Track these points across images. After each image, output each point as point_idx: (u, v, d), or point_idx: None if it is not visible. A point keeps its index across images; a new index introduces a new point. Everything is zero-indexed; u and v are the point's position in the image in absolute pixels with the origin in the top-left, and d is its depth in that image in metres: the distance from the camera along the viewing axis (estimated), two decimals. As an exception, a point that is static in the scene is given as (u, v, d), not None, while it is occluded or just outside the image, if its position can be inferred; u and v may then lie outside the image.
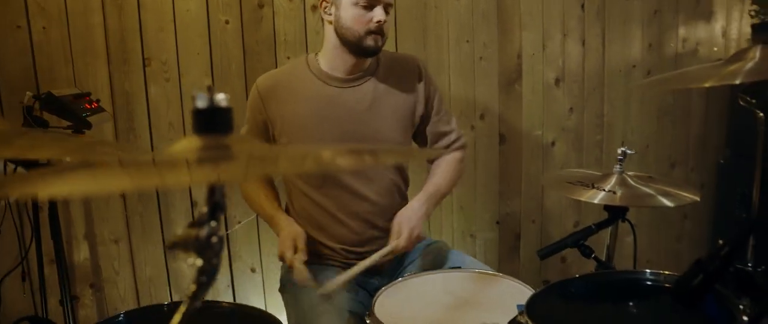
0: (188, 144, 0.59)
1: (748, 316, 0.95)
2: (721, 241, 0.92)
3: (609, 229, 1.67)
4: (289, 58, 2.18)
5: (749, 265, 1.24)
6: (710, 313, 1.05)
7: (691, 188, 1.62)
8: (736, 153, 2.84)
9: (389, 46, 1.90)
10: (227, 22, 2.12)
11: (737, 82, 1.14)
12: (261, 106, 1.66)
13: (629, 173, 1.67)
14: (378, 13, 1.58)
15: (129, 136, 2.06)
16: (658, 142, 2.82)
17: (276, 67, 2.14)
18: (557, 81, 2.56)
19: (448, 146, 1.77)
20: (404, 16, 2.29)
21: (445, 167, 1.76)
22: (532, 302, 1.16)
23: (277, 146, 1.60)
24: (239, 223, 2.17)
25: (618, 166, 1.65)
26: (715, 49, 2.88)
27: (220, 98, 0.60)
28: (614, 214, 1.64)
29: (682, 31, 2.78)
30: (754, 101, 1.21)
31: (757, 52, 1.23)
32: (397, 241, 1.53)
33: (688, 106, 2.87)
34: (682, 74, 1.45)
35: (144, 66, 2.05)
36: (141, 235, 2.14)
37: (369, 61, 1.70)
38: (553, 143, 2.60)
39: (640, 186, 1.61)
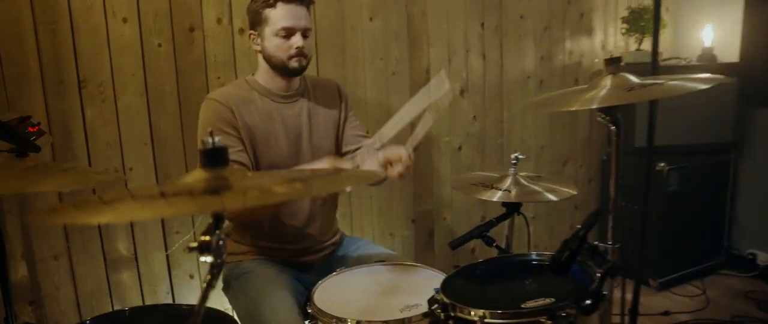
0: (195, 176, 0.82)
1: (600, 274, 1.30)
2: (578, 226, 1.26)
3: (506, 222, 2.01)
4: (219, 77, 2.38)
5: (610, 242, 1.60)
6: (577, 278, 1.40)
7: (571, 184, 1.98)
8: (634, 149, 3.26)
9: (312, 66, 2.18)
10: (160, 45, 2.29)
11: (594, 106, 1.50)
12: (232, 115, 1.83)
13: (522, 174, 2.01)
14: (296, 40, 1.84)
15: (67, 156, 2.18)
16: (551, 144, 3.24)
17: (207, 88, 2.35)
18: (462, 92, 2.91)
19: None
20: (324, 36, 2.55)
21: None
22: (445, 283, 1.46)
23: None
24: (182, 238, 2.35)
25: (512, 169, 1.99)
26: (596, 60, 3.34)
27: (217, 140, 0.84)
28: (510, 209, 1.98)
29: (568, 45, 3.22)
30: (607, 118, 1.56)
31: (608, 81, 1.59)
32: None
33: (575, 112, 3.31)
34: (556, 98, 1.81)
35: (80, 88, 2.18)
36: (82, 250, 2.26)
37: (298, 81, 1.95)
38: (459, 148, 2.95)
39: (530, 184, 1.96)
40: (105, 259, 2.29)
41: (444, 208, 2.95)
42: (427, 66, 2.80)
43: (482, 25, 2.92)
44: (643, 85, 1.57)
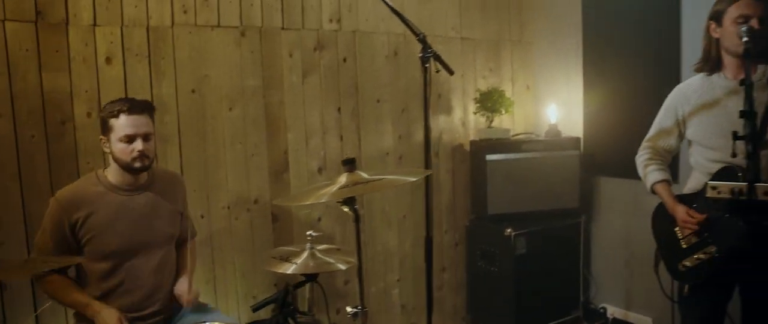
0: None
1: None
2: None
3: (309, 287, 2.42)
4: (89, 163, 2.80)
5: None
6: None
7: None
8: (489, 217, 3.69)
9: (175, 151, 2.71)
10: (33, 136, 2.72)
11: (324, 200, 1.93)
12: (63, 216, 2.25)
13: (319, 247, 2.42)
14: (137, 145, 2.28)
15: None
16: (412, 212, 3.67)
17: (78, 174, 2.77)
18: (320, 169, 3.35)
19: (191, 234, 2.48)
20: (186, 124, 2.99)
21: (188, 253, 2.46)
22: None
23: None
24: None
25: (308, 244, 2.40)
26: (457, 136, 3.80)
27: None
28: (308, 278, 2.39)
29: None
30: (347, 207, 1.99)
31: (344, 178, 2.03)
32: (188, 295, 2.29)
33: (438, 183, 3.75)
34: (299, 195, 2.25)
35: (-42, 176, 2.60)
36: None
37: (146, 175, 2.39)
38: (319, 219, 3.37)
39: (324, 257, 2.37)
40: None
41: (307, 272, 3.35)
42: (286, 148, 3.25)
43: (339, 109, 3.39)
44: (369, 180, 2.00)
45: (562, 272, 3.75)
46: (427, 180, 2.27)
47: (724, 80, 2.38)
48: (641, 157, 2.64)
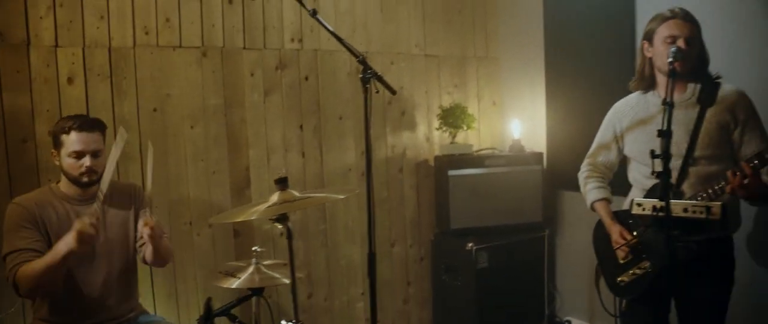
0: None
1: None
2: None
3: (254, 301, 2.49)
4: (50, 180, 2.88)
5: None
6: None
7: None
8: (452, 231, 3.75)
9: (137, 167, 2.92)
10: (-5, 155, 2.82)
11: (253, 218, 2.01)
12: (36, 214, 2.34)
13: (266, 262, 2.50)
14: (86, 161, 2.38)
15: None
16: (379, 226, 3.73)
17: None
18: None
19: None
20: (147, 140, 3.06)
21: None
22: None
23: None
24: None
25: (254, 259, 2.48)
26: (422, 151, 3.88)
27: None
28: (254, 292, 2.46)
29: (390, 140, 3.76)
30: (279, 224, 2.07)
31: (276, 196, 2.11)
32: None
33: (402, 198, 3.83)
34: (232, 213, 2.33)
35: None
36: None
37: (94, 187, 2.48)
38: (281, 234, 3.44)
39: (269, 271, 2.45)
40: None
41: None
42: (247, 164, 3.34)
43: (301, 127, 3.48)
44: (299, 199, 2.08)
45: (526, 286, 3.80)
46: (369, 197, 2.33)
47: (658, 98, 2.45)
48: (582, 174, 2.72)
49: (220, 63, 3.25)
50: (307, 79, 3.50)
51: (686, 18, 2.34)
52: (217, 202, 3.27)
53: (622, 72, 3.39)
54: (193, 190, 3.20)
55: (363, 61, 2.33)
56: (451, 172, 3.69)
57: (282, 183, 2.12)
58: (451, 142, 3.80)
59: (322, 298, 3.61)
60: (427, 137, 3.92)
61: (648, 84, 2.50)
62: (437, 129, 3.83)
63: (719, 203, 2.08)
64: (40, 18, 2.83)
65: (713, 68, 2.41)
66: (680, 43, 2.29)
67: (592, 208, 2.63)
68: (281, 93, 3.42)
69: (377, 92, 2.38)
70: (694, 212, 2.10)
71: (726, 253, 2.43)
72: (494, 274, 3.66)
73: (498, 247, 3.67)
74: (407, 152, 3.86)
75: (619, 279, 2.49)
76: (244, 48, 3.31)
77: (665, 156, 1.92)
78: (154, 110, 3.09)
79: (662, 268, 2.34)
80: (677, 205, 2.12)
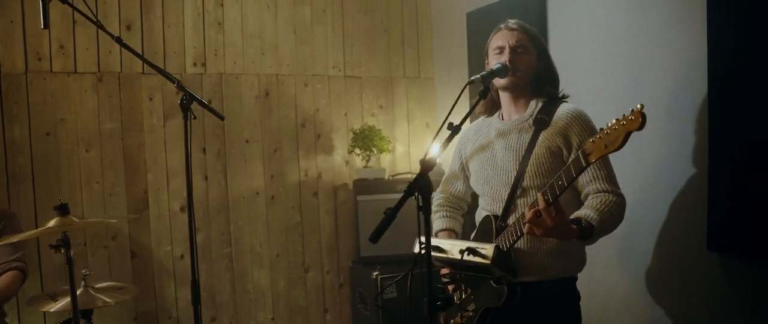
0: None
1: None
2: None
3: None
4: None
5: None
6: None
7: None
8: (361, 259, 3.69)
9: (29, 190, 3.04)
10: None
11: (25, 237, 2.05)
12: None
13: (98, 285, 2.54)
14: None
15: None
16: (287, 252, 3.71)
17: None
18: (182, 208, 3.47)
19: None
20: (40, 165, 3.21)
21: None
22: None
23: None
24: None
25: (83, 281, 2.52)
26: (340, 175, 3.83)
27: None
28: (83, 314, 2.50)
29: (303, 163, 3.73)
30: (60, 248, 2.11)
31: (53, 221, 2.13)
32: None
33: (318, 223, 3.78)
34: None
35: None
36: None
37: None
38: (182, 256, 3.48)
39: (98, 294, 2.48)
40: None
41: (169, 307, 3.46)
42: (146, 187, 3.41)
43: (203, 150, 3.51)
44: (76, 223, 2.09)
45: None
46: (191, 229, 2.30)
47: (498, 121, 2.29)
48: (433, 202, 2.56)
49: (117, 88, 3.34)
50: (210, 102, 3.53)
51: (514, 27, 2.18)
52: (113, 223, 3.35)
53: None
54: (87, 211, 3.30)
55: (180, 86, 2.33)
56: (360, 198, 3.62)
57: (61, 209, 2.15)
58: (364, 166, 3.72)
59: (227, 323, 3.61)
60: (348, 161, 3.87)
61: (491, 105, 2.34)
62: (350, 152, 3.77)
63: (493, 245, 1.92)
64: (-69, 47, 3.02)
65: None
66: (506, 53, 2.13)
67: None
68: (182, 116, 3.46)
69: (194, 118, 2.35)
70: (470, 254, 1.94)
71: (567, 296, 2.23)
72: (402, 304, 3.53)
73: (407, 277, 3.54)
74: (323, 176, 3.82)
75: (452, 321, 2.35)
76: (143, 73, 3.39)
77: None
78: (47, 134, 3.22)
79: (485, 312, 2.18)
80: (454, 247, 1.98)
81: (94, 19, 2.33)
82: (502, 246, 2.08)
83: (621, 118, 1.65)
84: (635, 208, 2.40)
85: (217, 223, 3.57)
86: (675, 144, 2.53)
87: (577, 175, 1.83)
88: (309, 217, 3.80)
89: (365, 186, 3.66)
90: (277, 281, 3.72)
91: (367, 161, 3.73)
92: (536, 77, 2.22)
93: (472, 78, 2.07)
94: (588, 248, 2.21)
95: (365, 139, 3.66)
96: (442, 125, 1.96)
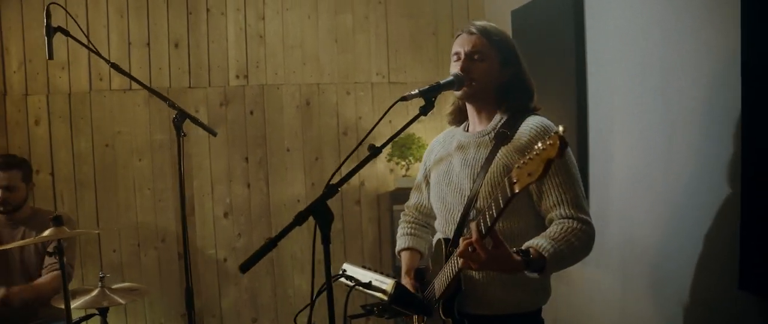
0: None
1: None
2: None
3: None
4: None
5: None
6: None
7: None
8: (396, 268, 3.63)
9: (90, 194, 3.36)
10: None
11: (23, 243, 2.29)
12: None
13: (114, 286, 2.76)
14: None
15: None
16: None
17: None
18: (226, 214, 3.65)
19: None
20: (101, 173, 3.57)
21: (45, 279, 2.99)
22: None
23: None
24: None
25: (100, 283, 2.75)
26: (384, 183, 3.78)
27: None
28: (100, 312, 2.74)
29: (345, 171, 3.73)
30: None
31: (48, 232, 2.35)
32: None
33: (360, 231, 3.78)
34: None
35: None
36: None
37: (16, 215, 3.01)
38: (225, 260, 3.67)
39: (112, 295, 2.70)
40: None
41: (214, 306, 3.67)
42: (192, 193, 3.64)
43: (246, 159, 3.67)
44: (69, 235, 2.30)
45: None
46: (185, 240, 2.44)
47: (461, 133, 2.09)
48: (401, 218, 2.41)
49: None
50: (252, 113, 3.68)
51: (474, 31, 1.96)
52: (163, 227, 3.63)
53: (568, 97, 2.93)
54: (141, 216, 3.61)
55: (173, 105, 2.46)
56: (397, 207, 3.55)
57: (56, 221, 2.36)
58: (403, 175, 3.62)
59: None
60: (392, 169, 3.80)
61: (457, 115, 2.15)
62: (388, 161, 3.69)
63: (393, 281, 1.76)
64: (14, 72, 3.47)
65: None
66: (461, 60, 1.95)
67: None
68: (225, 127, 3.64)
69: (185, 135, 2.48)
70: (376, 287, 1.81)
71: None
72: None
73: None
74: (366, 184, 3.79)
75: (410, 348, 2.23)
76: (189, 87, 3.61)
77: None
78: (106, 145, 3.57)
79: (433, 345, 2.04)
80: (364, 278, 1.86)
81: (89, 46, 2.54)
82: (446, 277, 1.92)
83: (543, 142, 1.40)
84: (666, 240, 2.10)
85: (259, 229, 3.71)
86: (710, 158, 2.14)
87: (506, 206, 1.62)
88: (351, 224, 3.80)
89: (401, 195, 3.57)
90: (317, 287, 3.76)
91: (406, 170, 3.63)
92: (500, 87, 2.00)
93: (405, 95, 1.91)
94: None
95: (402, 148, 3.57)
96: (359, 144, 1.84)
